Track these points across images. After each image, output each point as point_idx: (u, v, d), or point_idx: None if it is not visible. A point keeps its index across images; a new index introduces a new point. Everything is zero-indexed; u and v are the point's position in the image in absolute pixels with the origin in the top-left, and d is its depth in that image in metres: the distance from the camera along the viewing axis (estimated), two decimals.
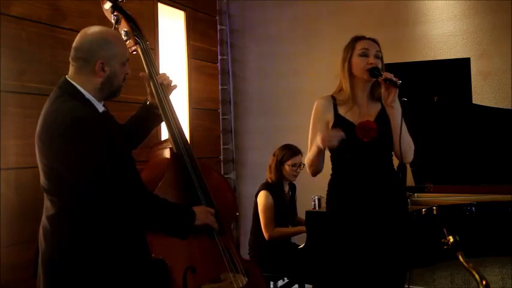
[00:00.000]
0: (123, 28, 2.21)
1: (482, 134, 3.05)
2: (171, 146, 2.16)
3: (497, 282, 3.61)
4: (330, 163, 2.39)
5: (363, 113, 2.26)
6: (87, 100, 1.83)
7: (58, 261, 1.78)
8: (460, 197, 2.97)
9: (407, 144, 2.21)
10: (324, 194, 3.15)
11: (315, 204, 3.41)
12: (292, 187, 3.63)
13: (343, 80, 2.31)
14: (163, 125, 2.20)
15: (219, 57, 4.52)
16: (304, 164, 3.45)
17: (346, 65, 2.28)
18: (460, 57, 3.44)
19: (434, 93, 3.09)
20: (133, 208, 1.85)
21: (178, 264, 1.98)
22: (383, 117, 2.22)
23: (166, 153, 2.19)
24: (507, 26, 3.58)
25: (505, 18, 3.59)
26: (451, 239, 1.49)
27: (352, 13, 4.08)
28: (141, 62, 2.22)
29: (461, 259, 1.41)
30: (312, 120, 2.36)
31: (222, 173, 4.44)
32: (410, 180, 3.22)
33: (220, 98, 4.53)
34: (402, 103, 2.27)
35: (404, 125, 2.23)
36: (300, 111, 4.29)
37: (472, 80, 3.18)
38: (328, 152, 2.36)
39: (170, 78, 2.24)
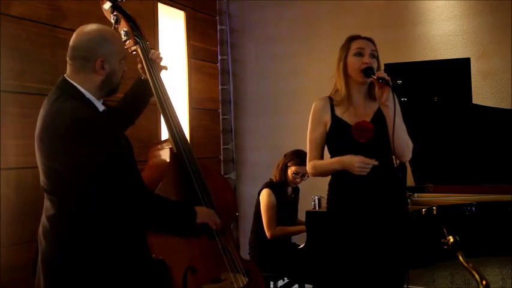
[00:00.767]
0: (123, 28, 2.21)
1: (482, 134, 3.05)
2: (171, 146, 2.16)
3: (497, 282, 3.61)
4: None
5: (359, 113, 2.26)
6: (88, 100, 1.83)
7: (58, 261, 1.78)
8: (460, 197, 2.97)
9: (404, 143, 2.21)
10: (324, 194, 3.16)
11: (314, 204, 3.41)
12: (296, 190, 3.63)
13: (338, 80, 2.32)
14: (163, 126, 2.20)
15: (219, 57, 4.52)
16: (307, 176, 3.45)
17: (341, 65, 2.29)
18: (460, 57, 3.44)
19: (434, 93, 3.09)
20: (135, 207, 1.85)
21: (178, 264, 1.98)
22: (380, 117, 2.22)
23: (166, 154, 2.19)
24: (507, 26, 3.58)
25: (505, 18, 3.59)
26: (451, 239, 1.50)
27: (352, 13, 4.08)
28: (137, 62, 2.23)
29: (461, 259, 1.42)
30: (310, 122, 2.38)
31: (222, 173, 4.44)
32: (410, 180, 3.22)
33: (220, 98, 4.53)
34: (402, 103, 2.27)
35: (402, 123, 2.23)
36: (299, 111, 4.28)
37: (472, 80, 3.18)
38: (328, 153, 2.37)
39: (161, 56, 2.26)
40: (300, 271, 3.22)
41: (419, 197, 3.12)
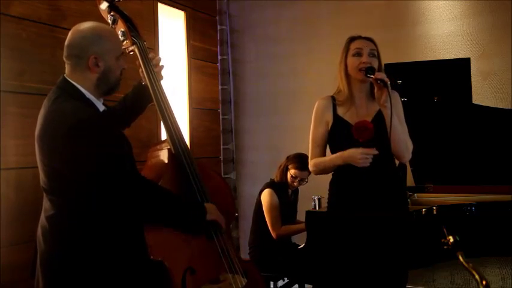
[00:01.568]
0: (120, 28, 2.21)
1: (483, 134, 3.05)
2: (169, 146, 2.16)
3: (497, 282, 3.61)
4: None
5: (361, 113, 2.28)
6: (88, 99, 1.83)
7: (57, 261, 1.77)
8: (460, 197, 2.96)
9: (402, 144, 2.22)
10: (324, 194, 3.16)
11: (314, 204, 3.41)
12: (295, 190, 3.64)
13: (340, 81, 2.34)
14: (162, 126, 2.20)
15: (219, 57, 4.52)
16: (307, 181, 3.46)
17: (342, 65, 2.32)
18: (460, 57, 3.44)
19: (434, 93, 3.09)
20: (145, 202, 1.85)
21: (177, 265, 1.98)
22: (381, 117, 2.22)
23: (165, 154, 2.19)
24: (507, 25, 3.58)
25: (505, 18, 3.59)
26: (451, 239, 1.50)
27: (352, 13, 4.08)
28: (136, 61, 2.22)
29: (461, 259, 1.42)
30: (312, 121, 2.39)
31: (222, 173, 4.45)
32: (410, 180, 3.21)
33: (220, 98, 4.54)
34: (402, 103, 2.27)
35: (403, 124, 2.23)
36: (300, 111, 4.29)
37: (472, 80, 3.18)
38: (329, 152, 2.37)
39: (161, 64, 2.24)
40: (300, 271, 3.22)
41: (419, 197, 3.11)
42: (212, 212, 2.04)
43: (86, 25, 1.88)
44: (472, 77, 3.15)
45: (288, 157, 3.53)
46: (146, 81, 2.18)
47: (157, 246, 1.94)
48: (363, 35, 2.34)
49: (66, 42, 1.85)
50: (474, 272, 1.35)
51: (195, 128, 4.21)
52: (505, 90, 3.60)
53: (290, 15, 4.36)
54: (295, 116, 4.31)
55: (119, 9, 2.23)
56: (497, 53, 3.62)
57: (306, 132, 4.03)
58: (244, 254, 4.23)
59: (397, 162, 2.42)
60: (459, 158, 3.08)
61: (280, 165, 3.53)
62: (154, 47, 3.73)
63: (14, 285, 2.57)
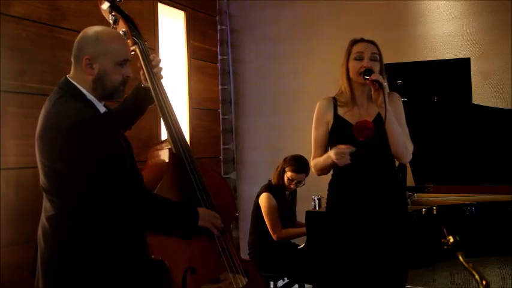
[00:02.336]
0: (121, 28, 2.21)
1: (482, 134, 3.05)
2: (170, 146, 2.16)
3: (497, 282, 3.61)
4: None
5: (362, 113, 2.29)
6: (89, 101, 1.82)
7: (58, 262, 1.77)
8: (460, 197, 2.96)
9: (401, 145, 2.23)
10: (323, 194, 3.16)
11: (314, 204, 3.41)
12: (293, 191, 3.63)
13: (342, 83, 2.36)
14: (163, 126, 2.20)
15: (219, 57, 4.52)
16: (304, 184, 3.47)
17: (344, 68, 2.34)
18: (460, 57, 3.44)
19: (434, 93, 3.09)
20: (136, 208, 1.84)
21: (178, 265, 1.98)
22: (382, 118, 2.23)
23: (166, 154, 2.19)
24: (507, 25, 3.58)
25: (505, 18, 3.59)
26: (451, 239, 1.50)
27: (352, 13, 4.08)
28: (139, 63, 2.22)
29: (461, 259, 1.42)
30: (313, 122, 2.41)
31: (222, 172, 4.45)
32: (410, 180, 3.22)
33: (220, 98, 4.54)
34: (402, 103, 2.27)
35: (403, 126, 2.23)
36: (300, 111, 4.29)
37: (472, 80, 3.18)
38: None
39: (161, 66, 2.23)
40: (300, 271, 3.22)
41: (419, 197, 3.11)
42: (204, 218, 2.00)
43: (93, 28, 1.88)
44: (472, 77, 3.16)
45: (285, 159, 3.52)
46: (148, 81, 2.18)
47: (157, 246, 1.94)
48: (366, 37, 2.35)
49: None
50: (474, 272, 1.35)
51: (195, 128, 4.21)
52: (505, 90, 3.60)
53: (290, 15, 4.36)
54: (296, 116, 4.31)
55: (120, 9, 2.23)
56: (497, 53, 3.62)
57: (307, 132, 4.03)
58: (244, 254, 4.23)
59: (397, 162, 2.42)
60: (459, 158, 3.09)
61: (278, 167, 3.52)
62: (155, 47, 3.73)
63: (14, 285, 2.57)
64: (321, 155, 2.37)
